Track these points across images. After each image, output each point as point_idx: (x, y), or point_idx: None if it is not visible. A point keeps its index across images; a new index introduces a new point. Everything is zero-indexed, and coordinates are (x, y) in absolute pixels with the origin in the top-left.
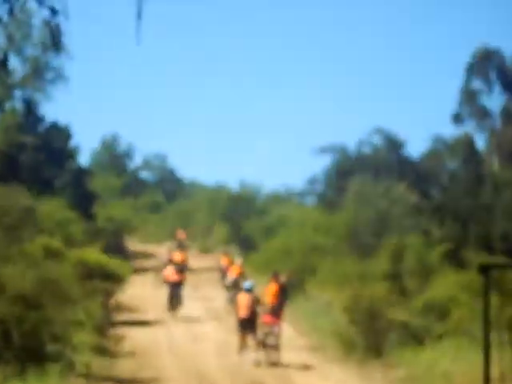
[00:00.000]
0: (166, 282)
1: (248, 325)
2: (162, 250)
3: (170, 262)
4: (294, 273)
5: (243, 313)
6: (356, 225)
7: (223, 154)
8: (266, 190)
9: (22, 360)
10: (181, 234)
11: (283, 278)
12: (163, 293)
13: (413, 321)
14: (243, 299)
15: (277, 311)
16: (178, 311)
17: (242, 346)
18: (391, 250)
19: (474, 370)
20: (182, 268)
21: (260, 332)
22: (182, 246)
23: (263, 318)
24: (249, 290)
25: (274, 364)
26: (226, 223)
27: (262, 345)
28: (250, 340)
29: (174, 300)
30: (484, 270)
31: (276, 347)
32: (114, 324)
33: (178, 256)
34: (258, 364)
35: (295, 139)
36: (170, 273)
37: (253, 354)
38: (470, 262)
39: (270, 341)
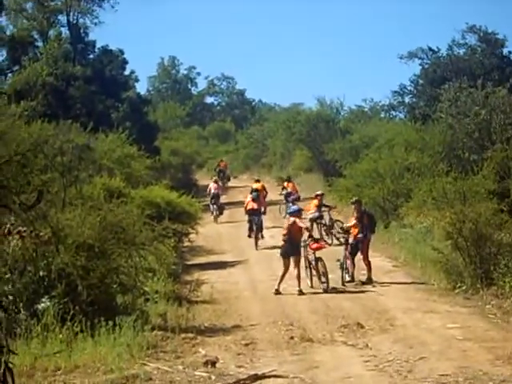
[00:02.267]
0: (245, 211)
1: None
2: (210, 184)
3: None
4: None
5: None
6: (453, 139)
7: (297, 72)
8: (348, 108)
9: (91, 315)
10: (222, 164)
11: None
12: (240, 230)
13: None
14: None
15: (362, 242)
16: (259, 240)
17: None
18: (496, 165)
19: None
20: (259, 196)
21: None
22: (224, 177)
23: (310, 245)
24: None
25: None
26: (305, 148)
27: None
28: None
29: (255, 229)
30: None
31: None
32: (188, 268)
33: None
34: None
35: (379, 47)
36: (249, 201)
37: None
38: None
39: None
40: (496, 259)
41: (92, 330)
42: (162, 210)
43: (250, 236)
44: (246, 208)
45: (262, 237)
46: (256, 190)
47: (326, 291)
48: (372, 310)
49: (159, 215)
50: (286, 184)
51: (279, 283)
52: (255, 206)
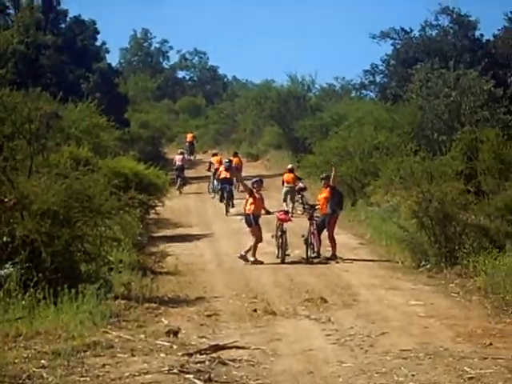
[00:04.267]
0: (218, 179)
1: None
2: (176, 156)
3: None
4: (338, 168)
5: None
6: (423, 119)
7: (269, 49)
8: (320, 86)
9: (54, 282)
10: (189, 136)
11: (333, 181)
12: (207, 203)
13: (490, 224)
14: None
15: (330, 219)
16: (229, 207)
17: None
18: (464, 146)
19: None
20: (231, 166)
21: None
22: (192, 149)
23: (279, 215)
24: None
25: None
26: (275, 125)
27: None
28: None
29: (226, 196)
30: None
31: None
32: (154, 240)
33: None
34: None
35: (352, 25)
36: (221, 171)
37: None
38: None
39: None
40: (461, 239)
41: (55, 298)
42: (129, 181)
43: (221, 201)
44: (218, 176)
45: (233, 205)
46: (229, 161)
47: (282, 261)
48: (336, 286)
49: (126, 186)
50: (231, 158)
51: (254, 252)
52: (227, 174)
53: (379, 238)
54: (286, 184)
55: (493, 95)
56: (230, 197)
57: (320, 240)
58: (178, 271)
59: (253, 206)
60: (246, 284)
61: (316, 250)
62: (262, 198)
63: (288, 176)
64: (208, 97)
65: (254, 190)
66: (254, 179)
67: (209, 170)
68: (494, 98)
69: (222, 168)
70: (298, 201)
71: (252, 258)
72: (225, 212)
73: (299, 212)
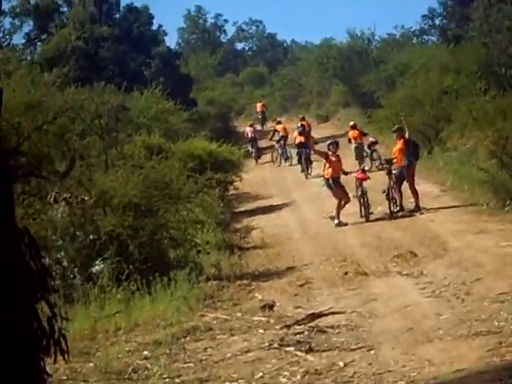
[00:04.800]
0: (294, 145)
1: None
2: (247, 128)
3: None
4: (410, 125)
5: None
6: (488, 56)
7: (325, 7)
8: (380, 37)
9: (146, 272)
10: (259, 106)
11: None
12: (283, 172)
13: None
14: None
15: (407, 171)
16: (309, 171)
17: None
18: None
19: None
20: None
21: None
22: (263, 118)
23: (357, 174)
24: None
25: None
26: (340, 83)
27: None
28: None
29: (304, 160)
30: None
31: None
32: (237, 216)
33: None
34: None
35: None
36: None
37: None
38: None
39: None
40: None
41: (148, 288)
42: (204, 162)
43: (301, 166)
44: (294, 142)
45: (312, 168)
46: (302, 126)
47: (367, 220)
48: (423, 237)
49: (202, 167)
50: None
51: (338, 215)
52: (302, 139)
53: (460, 182)
54: (353, 141)
55: None
56: (308, 160)
57: (401, 193)
58: (265, 244)
59: (330, 169)
60: (334, 247)
61: (398, 203)
62: (339, 159)
63: (354, 133)
64: (270, 65)
65: (330, 153)
66: (329, 141)
67: (271, 138)
68: None
69: (295, 133)
70: (369, 156)
71: (336, 221)
72: (304, 177)
73: (376, 167)
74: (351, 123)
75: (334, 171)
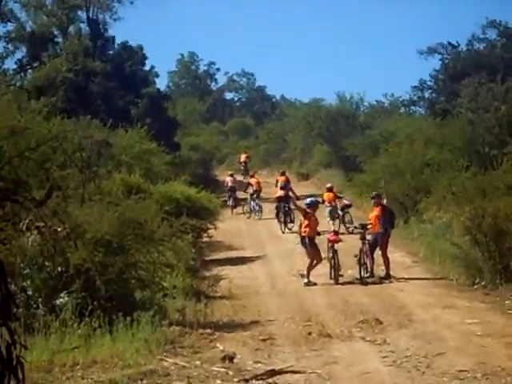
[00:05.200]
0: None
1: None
2: (227, 178)
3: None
4: (388, 194)
5: None
6: (473, 134)
7: (317, 68)
8: (368, 103)
9: (109, 310)
10: (243, 157)
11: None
12: (258, 225)
13: None
14: None
15: (382, 238)
16: (287, 226)
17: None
18: None
19: None
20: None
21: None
22: (246, 170)
23: (329, 236)
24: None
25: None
26: (325, 143)
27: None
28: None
29: (283, 214)
30: None
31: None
32: (207, 264)
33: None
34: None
35: (399, 42)
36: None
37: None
38: None
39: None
40: None
41: (110, 326)
42: (181, 206)
43: (278, 220)
44: (275, 195)
45: (291, 221)
46: (286, 180)
47: (336, 282)
48: (390, 306)
49: (178, 211)
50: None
51: (308, 274)
52: (283, 193)
53: (433, 255)
54: (327, 203)
55: None
56: (287, 215)
57: (373, 259)
58: (232, 295)
59: (308, 227)
60: (300, 306)
61: (369, 269)
62: (316, 219)
63: (329, 195)
64: (257, 117)
65: (309, 212)
66: (309, 200)
67: (245, 191)
68: None
69: (279, 184)
70: (341, 218)
71: (306, 280)
72: (281, 231)
73: (347, 229)
74: (328, 185)
75: (311, 230)
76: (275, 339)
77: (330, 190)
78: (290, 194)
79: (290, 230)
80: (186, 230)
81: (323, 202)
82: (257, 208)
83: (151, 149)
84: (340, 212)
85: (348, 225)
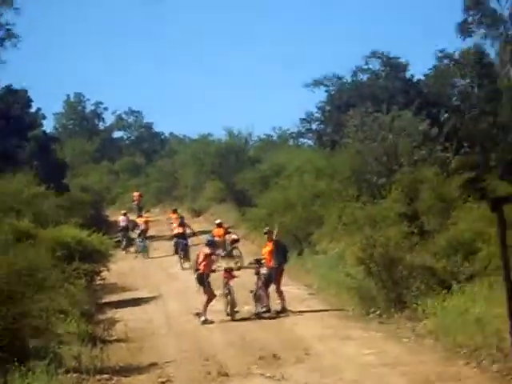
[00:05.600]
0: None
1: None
2: (120, 217)
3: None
4: (281, 229)
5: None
6: (362, 164)
7: (204, 103)
8: (257, 137)
9: (3, 360)
10: (135, 196)
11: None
12: (152, 264)
13: (436, 264)
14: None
15: (276, 272)
16: (185, 262)
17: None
18: (405, 187)
19: None
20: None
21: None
22: (139, 208)
23: (223, 272)
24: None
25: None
26: (216, 179)
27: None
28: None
29: (181, 251)
30: (496, 204)
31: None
32: (102, 307)
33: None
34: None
35: (284, 75)
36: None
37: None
38: (494, 190)
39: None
40: (408, 282)
41: (4, 377)
42: (73, 250)
43: (178, 256)
44: (172, 232)
45: (188, 259)
46: (181, 217)
47: (232, 319)
48: (288, 340)
49: (70, 255)
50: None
51: (204, 312)
52: (181, 230)
53: (328, 286)
54: (217, 238)
55: (428, 134)
56: (185, 251)
57: (268, 294)
58: (128, 338)
59: (205, 265)
60: (198, 346)
61: (265, 304)
62: (213, 257)
63: (218, 230)
64: (147, 155)
65: (208, 250)
66: (208, 239)
67: (133, 230)
68: (430, 137)
69: (175, 224)
70: (229, 253)
71: (203, 318)
72: (182, 266)
73: (235, 263)
74: (217, 221)
75: (208, 267)
76: (173, 381)
77: (219, 225)
78: (188, 230)
79: (187, 266)
80: (78, 274)
81: (213, 237)
82: (144, 248)
83: (40, 192)
84: (228, 247)
85: (237, 259)
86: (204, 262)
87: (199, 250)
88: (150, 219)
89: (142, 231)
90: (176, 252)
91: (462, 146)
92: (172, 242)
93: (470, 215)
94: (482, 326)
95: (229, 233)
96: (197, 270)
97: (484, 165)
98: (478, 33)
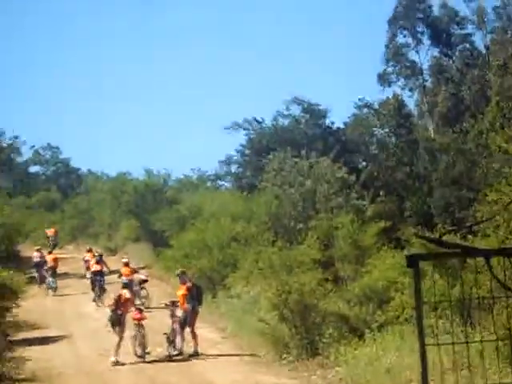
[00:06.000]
0: (89, 272)
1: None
2: (34, 253)
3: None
4: (195, 274)
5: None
6: (279, 208)
7: (123, 142)
8: (176, 177)
9: None
10: (49, 232)
11: (190, 281)
12: (65, 302)
13: (350, 311)
14: None
15: (190, 315)
16: (102, 299)
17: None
18: (320, 234)
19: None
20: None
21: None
22: (54, 244)
23: (134, 314)
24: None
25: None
26: (132, 218)
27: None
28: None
29: (97, 289)
30: (412, 262)
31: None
32: (11, 346)
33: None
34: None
35: (204, 118)
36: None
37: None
38: (409, 239)
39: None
40: (321, 329)
41: None
42: None
43: (93, 291)
44: (89, 269)
45: (103, 295)
46: (100, 255)
47: (143, 361)
48: None
49: None
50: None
51: (116, 353)
52: (98, 267)
53: (241, 331)
54: (123, 278)
55: (346, 181)
56: (101, 289)
57: (183, 337)
58: (36, 377)
59: (125, 305)
60: None
61: (178, 347)
62: (130, 297)
63: (126, 270)
64: (63, 190)
65: (125, 291)
66: (125, 281)
67: (42, 266)
68: (347, 184)
69: (92, 261)
70: (137, 293)
71: (114, 359)
72: (97, 304)
73: (142, 303)
74: (124, 260)
75: (127, 310)
76: None
77: (126, 264)
78: (105, 268)
79: (101, 305)
80: None
81: (120, 276)
82: (52, 284)
83: None
84: (136, 287)
85: (144, 300)
86: (125, 305)
87: (119, 291)
88: (61, 256)
89: (49, 268)
90: (92, 289)
91: (379, 194)
92: (88, 280)
93: (383, 263)
94: (393, 376)
95: (136, 272)
96: (114, 310)
97: (399, 214)
98: (398, 83)
